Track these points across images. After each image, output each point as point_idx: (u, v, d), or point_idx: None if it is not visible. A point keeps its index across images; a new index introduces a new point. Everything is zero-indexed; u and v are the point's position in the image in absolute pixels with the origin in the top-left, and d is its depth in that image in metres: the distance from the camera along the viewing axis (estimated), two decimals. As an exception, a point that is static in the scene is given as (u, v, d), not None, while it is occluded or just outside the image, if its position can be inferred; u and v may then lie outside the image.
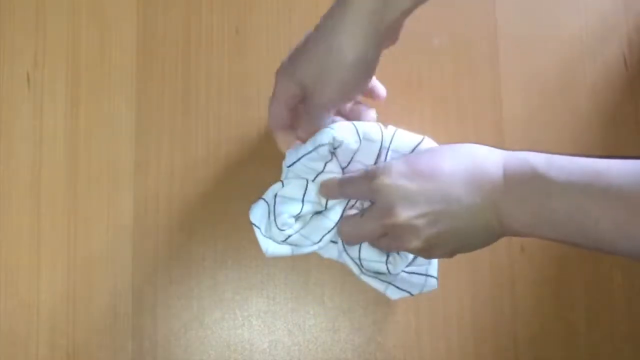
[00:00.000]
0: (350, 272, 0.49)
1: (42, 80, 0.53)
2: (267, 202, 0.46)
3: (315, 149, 0.44)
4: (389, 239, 0.43)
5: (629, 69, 0.54)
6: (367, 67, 0.41)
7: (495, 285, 0.51)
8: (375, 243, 0.45)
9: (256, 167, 0.51)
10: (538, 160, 0.41)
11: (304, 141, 0.45)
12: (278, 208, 0.46)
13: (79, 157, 0.52)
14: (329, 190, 0.46)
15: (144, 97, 0.52)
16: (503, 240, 0.42)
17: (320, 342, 0.51)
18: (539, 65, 0.54)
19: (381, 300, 0.51)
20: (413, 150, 0.47)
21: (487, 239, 0.43)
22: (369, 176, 0.43)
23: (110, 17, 0.53)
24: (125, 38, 0.53)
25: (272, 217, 0.46)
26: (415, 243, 0.42)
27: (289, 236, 0.46)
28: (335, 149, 0.45)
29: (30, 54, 0.53)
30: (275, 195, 0.46)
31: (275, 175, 0.49)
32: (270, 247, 0.45)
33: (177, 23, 0.53)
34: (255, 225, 0.45)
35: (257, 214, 0.45)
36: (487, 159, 0.42)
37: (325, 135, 0.44)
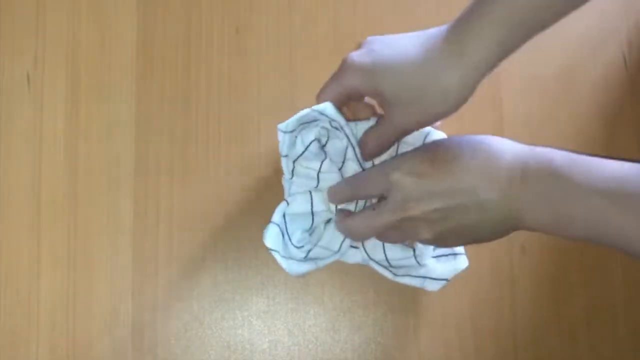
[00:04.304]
0: (350, 272, 0.49)
1: (42, 80, 0.53)
2: (277, 224, 0.45)
3: (306, 148, 0.44)
4: (400, 232, 0.43)
5: (629, 69, 0.54)
6: (459, 106, 0.41)
7: (495, 285, 0.51)
8: (382, 237, 0.45)
9: (256, 167, 0.51)
10: (561, 159, 0.40)
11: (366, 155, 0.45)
12: (290, 227, 0.45)
13: (79, 157, 0.52)
14: (338, 194, 0.45)
15: (144, 97, 0.52)
16: (503, 240, 0.42)
17: (320, 342, 0.51)
18: (539, 65, 0.54)
19: (381, 300, 0.51)
20: (423, 141, 0.47)
21: (500, 232, 0.42)
22: (384, 171, 0.42)
23: (110, 17, 0.53)
24: (125, 38, 0.53)
25: (286, 238, 0.45)
26: (427, 235, 0.41)
27: (309, 251, 0.45)
28: (323, 146, 0.45)
29: (30, 54, 0.53)
30: (284, 215, 0.46)
31: (275, 174, 0.49)
32: (293, 267, 0.45)
33: (177, 23, 0.53)
34: (273, 250, 0.44)
35: (271, 237, 0.45)
36: (505, 153, 0.41)
37: (312, 132, 0.44)
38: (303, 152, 0.44)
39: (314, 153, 0.44)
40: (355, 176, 0.46)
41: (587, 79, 0.54)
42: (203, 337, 0.50)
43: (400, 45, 0.41)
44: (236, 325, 0.51)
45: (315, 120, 0.44)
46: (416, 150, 0.44)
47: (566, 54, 0.54)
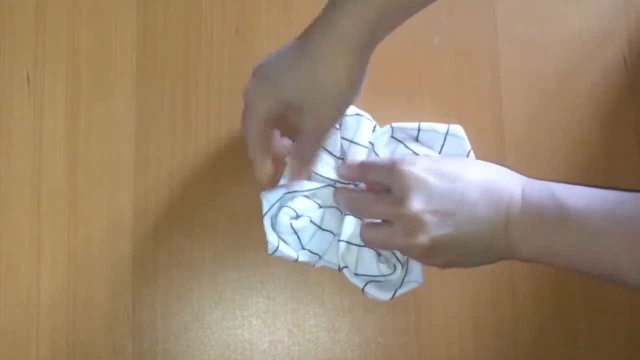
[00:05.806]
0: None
1: (42, 80, 0.53)
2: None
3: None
4: (392, 230, 0.42)
5: (629, 69, 0.54)
6: (359, 90, 0.41)
7: (496, 286, 0.51)
8: (382, 236, 0.44)
9: (256, 167, 0.51)
10: (557, 186, 0.41)
11: (297, 175, 0.45)
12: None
13: (79, 157, 0.52)
14: (350, 171, 0.46)
15: (144, 97, 0.52)
16: (503, 240, 0.42)
17: (320, 342, 0.51)
18: (539, 65, 0.54)
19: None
20: (443, 140, 0.48)
21: (488, 256, 0.43)
22: (396, 162, 0.43)
23: (110, 17, 0.53)
24: (125, 38, 0.53)
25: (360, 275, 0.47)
26: (423, 239, 0.41)
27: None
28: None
29: (30, 54, 0.53)
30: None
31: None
32: (386, 295, 0.46)
33: (177, 23, 0.53)
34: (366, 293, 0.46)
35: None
36: (509, 179, 0.43)
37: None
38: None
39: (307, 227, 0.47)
40: (365, 160, 0.46)
41: (587, 78, 0.54)
42: (203, 337, 0.50)
43: (284, 56, 0.41)
44: (236, 325, 0.51)
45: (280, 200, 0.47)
46: (429, 156, 0.45)
47: (566, 53, 0.54)
